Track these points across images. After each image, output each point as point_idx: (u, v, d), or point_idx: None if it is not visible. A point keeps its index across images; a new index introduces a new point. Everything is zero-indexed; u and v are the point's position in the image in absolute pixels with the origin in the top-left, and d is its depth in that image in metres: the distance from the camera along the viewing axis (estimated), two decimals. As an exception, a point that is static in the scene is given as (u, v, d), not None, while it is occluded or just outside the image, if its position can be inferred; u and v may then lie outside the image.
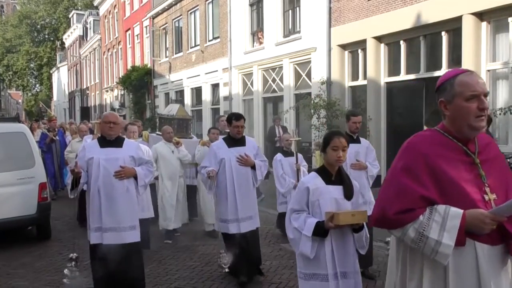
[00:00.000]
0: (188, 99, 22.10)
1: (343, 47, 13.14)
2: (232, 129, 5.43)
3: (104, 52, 35.29)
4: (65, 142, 11.75)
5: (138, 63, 27.79)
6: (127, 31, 29.88)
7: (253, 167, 5.39)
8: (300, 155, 6.50)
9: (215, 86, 19.91)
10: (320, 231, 3.16)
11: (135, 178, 4.75)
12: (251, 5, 17.36)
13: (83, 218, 6.96)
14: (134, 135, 6.91)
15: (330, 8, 13.20)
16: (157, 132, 9.00)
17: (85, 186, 4.89)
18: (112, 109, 25.45)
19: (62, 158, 10.93)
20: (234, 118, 5.44)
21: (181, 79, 22.31)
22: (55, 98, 55.70)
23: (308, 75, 14.38)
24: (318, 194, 3.26)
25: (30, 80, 57.23)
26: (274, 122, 14.03)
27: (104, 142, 4.77)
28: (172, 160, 7.45)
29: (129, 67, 28.05)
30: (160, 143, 7.58)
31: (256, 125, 16.84)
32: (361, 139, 5.69)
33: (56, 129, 12.00)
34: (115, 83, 31.34)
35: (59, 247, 7.29)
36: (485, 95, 2.18)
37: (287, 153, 7.08)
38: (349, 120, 5.55)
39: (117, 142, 4.81)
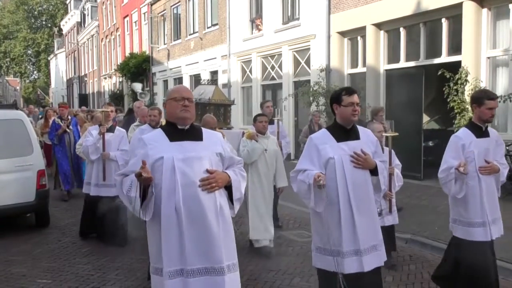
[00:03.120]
0: (187, 86, 21.99)
1: (343, 34, 13.07)
2: (344, 111, 3.54)
3: (102, 39, 35.07)
4: (79, 132, 9.79)
5: (136, 50, 27.64)
6: (125, 17, 29.67)
7: (373, 171, 3.59)
8: (393, 153, 4.94)
9: (214, 73, 19.82)
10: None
11: (228, 188, 3.09)
12: (250, -9, 17.22)
13: (88, 230, 6.92)
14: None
15: (329, -6, 13.09)
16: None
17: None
18: (134, 92, 24.33)
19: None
20: (345, 92, 3.58)
21: (180, 66, 22.21)
22: (53, 85, 55.51)
23: (307, 62, 14.31)
24: None
25: (28, 67, 57.05)
26: (312, 119, 9.56)
27: (175, 132, 3.05)
28: None
29: (127, 54, 27.90)
30: None
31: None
32: (490, 130, 4.22)
33: (69, 117, 10.07)
34: (113, 70, 31.20)
35: (58, 234, 7.29)
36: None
37: None
38: (482, 104, 4.03)
39: (195, 133, 3.10)
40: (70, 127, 9.66)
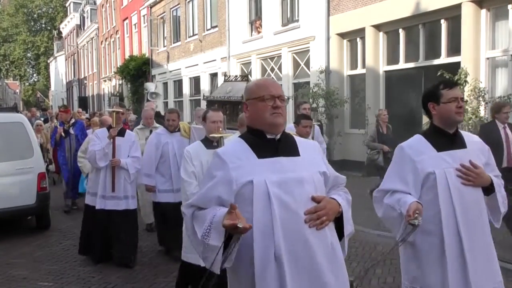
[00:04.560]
0: (186, 88, 22.05)
1: (342, 35, 13.09)
2: (444, 110, 2.75)
3: (102, 41, 35.10)
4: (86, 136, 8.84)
5: (136, 52, 27.65)
6: (124, 20, 29.69)
7: (487, 190, 2.73)
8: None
9: (214, 76, 19.84)
10: None
11: (338, 220, 2.24)
12: (249, -7, 17.24)
13: (87, 249, 6.02)
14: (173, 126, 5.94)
15: (328, -4, 13.12)
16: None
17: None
18: (134, 95, 24.01)
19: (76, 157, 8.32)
20: (443, 86, 2.81)
21: (179, 69, 22.22)
22: (52, 88, 55.51)
23: (307, 64, 14.33)
24: None
25: (27, 70, 57.05)
26: (379, 118, 8.57)
27: (264, 145, 2.22)
28: None
29: (127, 56, 27.91)
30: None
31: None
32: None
33: (71, 121, 9.18)
34: (113, 73, 31.21)
35: (59, 236, 7.30)
36: None
37: None
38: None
39: (289, 144, 2.27)
40: (71, 131, 8.99)
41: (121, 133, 5.77)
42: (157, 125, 7.37)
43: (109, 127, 5.76)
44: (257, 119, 2.22)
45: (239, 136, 2.34)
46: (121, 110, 5.97)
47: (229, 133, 4.54)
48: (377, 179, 8.23)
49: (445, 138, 2.75)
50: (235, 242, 1.99)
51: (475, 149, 2.77)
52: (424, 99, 2.89)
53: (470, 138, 2.84)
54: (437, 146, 2.73)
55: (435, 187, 2.64)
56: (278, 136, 2.23)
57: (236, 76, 7.59)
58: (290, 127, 6.99)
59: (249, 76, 7.09)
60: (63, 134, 8.88)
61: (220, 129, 4.28)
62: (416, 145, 2.79)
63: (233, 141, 2.41)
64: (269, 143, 2.21)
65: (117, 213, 5.66)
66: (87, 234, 5.99)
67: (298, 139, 2.34)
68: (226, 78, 7.83)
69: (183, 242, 4.47)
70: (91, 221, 5.84)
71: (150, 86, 22.19)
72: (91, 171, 6.05)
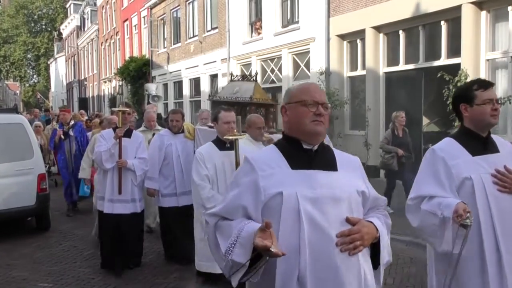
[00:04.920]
0: (186, 90, 22.07)
1: (342, 37, 13.09)
2: (478, 112, 2.59)
3: (102, 42, 35.13)
4: (87, 140, 8.86)
5: (136, 53, 27.67)
6: (124, 21, 29.72)
7: None
8: None
9: (214, 77, 19.84)
10: None
11: (374, 246, 2.01)
12: (249, -6, 17.26)
13: (111, 259, 5.62)
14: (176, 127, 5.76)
15: (329, -3, 13.14)
16: (209, 124, 6.10)
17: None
18: (134, 96, 23.76)
19: (78, 161, 8.24)
20: (477, 86, 2.63)
21: (180, 70, 22.23)
22: (53, 89, 55.57)
23: (307, 65, 14.33)
24: None
25: (28, 71, 57.08)
26: (395, 121, 8.37)
27: (299, 155, 2.03)
28: None
29: (127, 57, 27.94)
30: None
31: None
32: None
33: (70, 123, 9.12)
34: (113, 74, 31.23)
35: (59, 238, 7.30)
36: None
37: None
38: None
39: (327, 157, 2.07)
40: (71, 133, 8.86)
41: (128, 134, 5.57)
42: (159, 127, 7.29)
43: (115, 128, 5.58)
44: (296, 125, 2.02)
45: (274, 144, 2.15)
46: (128, 110, 5.71)
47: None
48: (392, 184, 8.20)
49: (478, 142, 2.60)
50: (263, 262, 1.77)
51: (508, 153, 2.63)
52: (455, 100, 2.73)
53: (500, 141, 2.71)
54: (471, 150, 2.57)
55: (472, 193, 2.47)
56: (316, 147, 2.02)
57: (243, 76, 7.26)
58: None
59: (256, 76, 6.66)
60: (62, 136, 8.73)
61: (235, 130, 4.09)
62: (449, 149, 2.61)
63: (265, 148, 2.23)
64: (305, 154, 2.01)
65: (125, 217, 5.46)
66: (105, 244, 5.66)
67: (337, 152, 2.13)
68: (232, 78, 7.46)
69: (195, 249, 4.32)
70: (106, 228, 5.60)
71: (151, 87, 21.57)
72: (98, 173, 5.82)
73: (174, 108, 8.07)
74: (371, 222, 1.97)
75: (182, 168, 5.70)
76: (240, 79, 7.29)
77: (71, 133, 8.87)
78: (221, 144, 4.24)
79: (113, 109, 6.02)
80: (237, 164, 3.91)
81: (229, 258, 1.85)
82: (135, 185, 5.56)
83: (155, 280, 5.36)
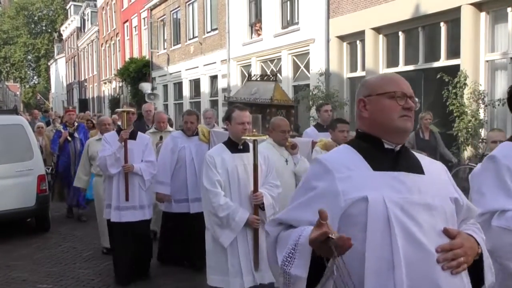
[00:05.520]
0: (186, 91, 22.08)
1: (342, 38, 13.10)
2: None
3: (102, 44, 35.16)
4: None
5: (136, 55, 27.70)
6: (125, 22, 29.74)
7: None
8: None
9: (214, 78, 19.86)
10: None
11: (474, 265, 1.66)
12: (249, -4, 17.28)
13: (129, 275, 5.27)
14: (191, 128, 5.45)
15: (328, -1, 13.15)
16: (223, 127, 5.93)
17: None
18: (133, 96, 23.59)
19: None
20: None
21: (180, 71, 22.24)
22: (53, 90, 55.62)
23: (307, 66, 14.34)
24: None
25: (28, 72, 57.14)
26: (421, 123, 7.94)
27: (380, 155, 1.72)
28: (286, 176, 4.41)
29: (127, 59, 27.96)
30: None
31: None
32: None
33: (75, 123, 8.95)
34: (113, 75, 31.25)
35: (58, 239, 7.30)
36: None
37: None
38: None
39: (411, 158, 1.79)
40: (75, 134, 8.63)
41: (133, 135, 5.19)
42: (171, 129, 7.00)
43: (118, 130, 5.22)
44: (379, 121, 1.71)
45: (347, 143, 1.85)
46: (132, 110, 5.40)
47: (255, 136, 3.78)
48: None
49: None
50: (331, 268, 1.43)
51: None
52: None
53: None
54: None
55: None
56: (398, 148, 1.73)
57: (263, 75, 6.53)
58: (309, 133, 6.22)
59: (276, 76, 5.98)
60: (69, 138, 8.43)
61: (254, 131, 3.71)
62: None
63: (337, 148, 1.94)
64: (386, 155, 1.71)
65: (133, 225, 5.09)
66: (119, 258, 5.31)
67: (418, 155, 1.81)
68: (250, 77, 6.77)
69: (206, 260, 3.92)
70: (120, 239, 5.22)
71: (146, 87, 21.28)
72: (103, 180, 5.43)
73: (189, 109, 7.38)
74: (471, 235, 1.65)
75: (195, 172, 5.34)
76: (259, 79, 6.69)
77: (75, 134, 8.67)
78: (234, 146, 3.86)
79: (117, 110, 5.59)
80: (255, 167, 3.63)
81: (287, 270, 1.54)
82: (143, 190, 5.19)
83: (155, 281, 5.36)
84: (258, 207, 3.74)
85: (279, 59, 15.53)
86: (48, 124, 13.78)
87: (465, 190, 2.02)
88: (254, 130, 3.70)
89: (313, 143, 4.98)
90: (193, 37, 21.29)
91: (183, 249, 5.63)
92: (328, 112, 6.38)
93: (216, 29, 19.26)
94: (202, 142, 5.46)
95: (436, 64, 10.51)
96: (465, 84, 9.17)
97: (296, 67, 15.02)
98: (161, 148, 5.70)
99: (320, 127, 6.22)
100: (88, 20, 39.61)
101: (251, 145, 3.72)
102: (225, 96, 10.69)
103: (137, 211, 5.12)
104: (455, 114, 9.20)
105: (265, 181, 3.88)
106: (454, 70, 9.47)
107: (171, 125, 7.55)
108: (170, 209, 5.55)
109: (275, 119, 4.64)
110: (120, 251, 5.23)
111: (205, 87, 20.41)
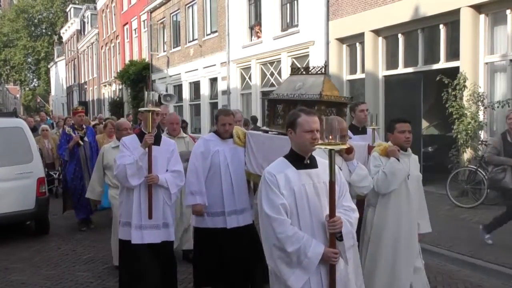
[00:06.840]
0: (186, 93, 22.09)
1: (341, 40, 13.11)
2: None
3: (102, 46, 35.20)
4: (97, 146, 7.71)
5: (136, 57, 27.72)
6: (124, 25, 29.78)
7: None
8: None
9: (213, 80, 19.87)
10: None
11: None
12: (249, -2, 17.30)
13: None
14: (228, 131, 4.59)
15: (328, 1, 13.15)
16: (263, 128, 5.20)
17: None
18: (134, 99, 23.04)
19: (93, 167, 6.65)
20: None
21: (179, 73, 22.26)
22: (53, 92, 55.67)
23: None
24: None
25: (28, 75, 57.17)
26: (507, 123, 6.41)
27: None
28: None
29: (127, 61, 27.99)
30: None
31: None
32: None
33: (84, 126, 8.14)
34: (113, 78, 31.28)
35: (58, 241, 7.28)
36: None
37: None
38: None
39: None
40: (85, 138, 7.91)
41: (157, 140, 4.35)
42: (185, 134, 6.16)
43: (141, 134, 4.38)
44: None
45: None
46: (158, 109, 4.53)
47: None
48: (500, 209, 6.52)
49: None
50: None
51: None
52: None
53: None
54: None
55: None
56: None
57: (309, 67, 5.44)
58: (356, 139, 5.16)
59: (325, 68, 5.03)
60: (81, 142, 7.77)
61: (330, 137, 2.75)
62: None
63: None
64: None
65: (154, 246, 4.31)
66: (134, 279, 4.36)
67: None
68: (293, 71, 5.67)
69: None
70: (133, 261, 4.31)
71: (160, 87, 19.75)
72: (120, 192, 4.56)
73: (224, 109, 6.21)
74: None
75: (231, 180, 4.59)
76: (304, 72, 5.58)
77: (86, 138, 7.92)
78: (299, 160, 2.94)
79: (141, 109, 4.52)
80: (331, 185, 2.71)
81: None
82: (169, 205, 4.42)
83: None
84: (335, 237, 2.80)
85: (279, 62, 15.54)
86: (52, 127, 13.68)
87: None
88: (330, 137, 2.78)
89: (370, 148, 4.23)
90: (193, 40, 21.32)
91: (223, 273, 4.70)
92: (365, 112, 5.70)
93: (216, 31, 19.28)
94: (237, 145, 4.70)
95: (435, 66, 10.52)
96: (464, 86, 9.18)
97: (295, 70, 14.99)
98: (192, 152, 4.85)
99: (355, 129, 5.56)
100: (88, 23, 39.66)
101: (318, 158, 2.99)
102: (262, 94, 9.03)
103: (161, 230, 4.32)
104: (454, 116, 9.20)
105: (338, 203, 2.89)
106: (453, 72, 9.47)
107: (184, 129, 6.86)
108: (203, 224, 4.65)
109: (331, 119, 3.76)
110: (141, 277, 4.29)
111: (205, 90, 20.41)
